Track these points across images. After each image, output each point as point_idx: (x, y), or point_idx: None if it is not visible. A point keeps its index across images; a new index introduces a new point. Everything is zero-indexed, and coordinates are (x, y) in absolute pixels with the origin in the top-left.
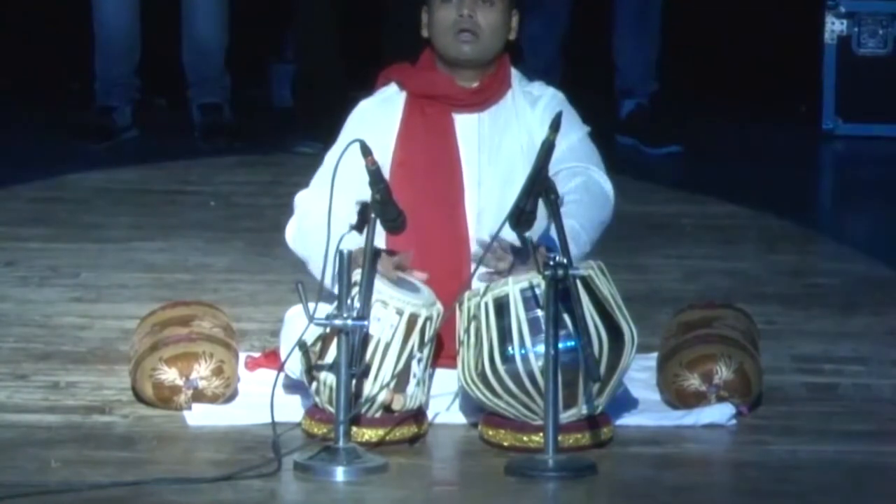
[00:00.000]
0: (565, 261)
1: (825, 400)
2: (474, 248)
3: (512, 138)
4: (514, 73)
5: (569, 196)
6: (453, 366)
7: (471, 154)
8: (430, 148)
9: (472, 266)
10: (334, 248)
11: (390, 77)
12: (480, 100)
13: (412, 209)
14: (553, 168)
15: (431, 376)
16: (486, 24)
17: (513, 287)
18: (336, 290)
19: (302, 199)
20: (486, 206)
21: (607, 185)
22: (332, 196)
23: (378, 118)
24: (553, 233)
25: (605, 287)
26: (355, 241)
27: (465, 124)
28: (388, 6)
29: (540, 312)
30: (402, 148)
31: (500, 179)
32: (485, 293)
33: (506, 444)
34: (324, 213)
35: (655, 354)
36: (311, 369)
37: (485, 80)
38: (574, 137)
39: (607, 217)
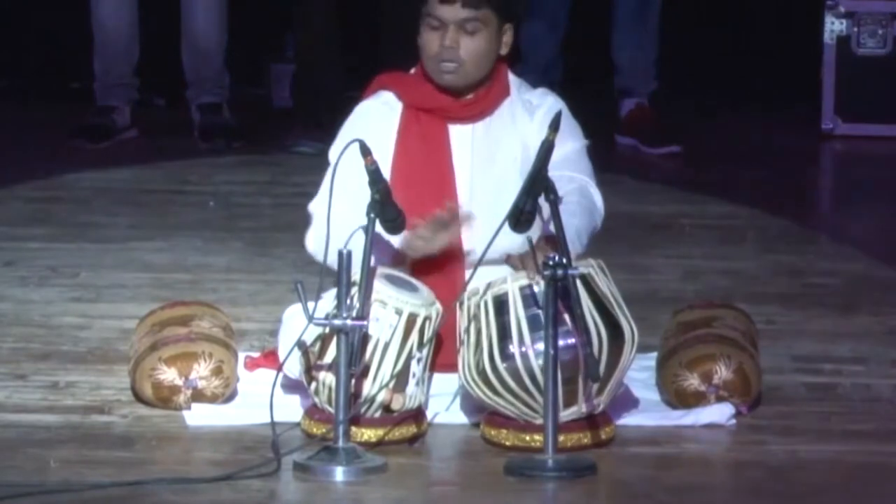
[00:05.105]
0: (565, 260)
1: (825, 400)
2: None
3: (505, 149)
4: (514, 81)
5: (566, 198)
6: (453, 371)
7: (464, 164)
8: (424, 157)
9: (468, 273)
10: (345, 245)
11: (384, 85)
12: (475, 112)
13: (407, 217)
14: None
15: (431, 377)
16: (468, 53)
17: (511, 285)
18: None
19: (317, 206)
20: (477, 215)
21: (599, 199)
22: (332, 194)
23: (378, 120)
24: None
25: (605, 285)
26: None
27: (459, 135)
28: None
29: (539, 310)
30: (398, 155)
31: (492, 189)
32: (485, 292)
33: (508, 443)
34: (342, 217)
35: (655, 354)
36: (310, 369)
37: (479, 93)
38: (570, 147)
39: (597, 227)
